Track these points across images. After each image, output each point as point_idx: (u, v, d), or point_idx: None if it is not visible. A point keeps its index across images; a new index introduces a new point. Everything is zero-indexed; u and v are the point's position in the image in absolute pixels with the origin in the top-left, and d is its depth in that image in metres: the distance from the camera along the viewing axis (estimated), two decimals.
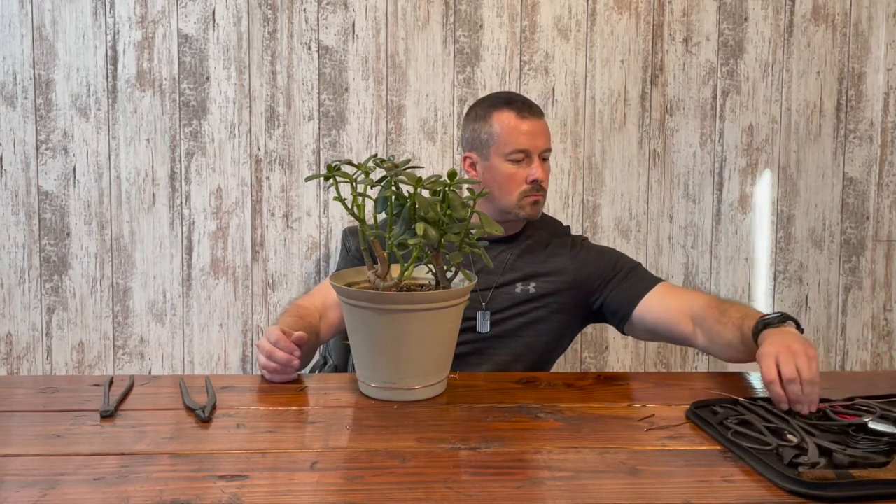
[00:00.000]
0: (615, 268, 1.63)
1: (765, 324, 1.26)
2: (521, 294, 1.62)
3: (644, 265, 2.22)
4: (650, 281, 1.59)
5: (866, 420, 1.06)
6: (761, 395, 1.22)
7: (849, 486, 0.89)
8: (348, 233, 1.97)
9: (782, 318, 1.26)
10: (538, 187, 1.60)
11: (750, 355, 1.31)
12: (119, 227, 2.16)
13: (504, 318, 1.61)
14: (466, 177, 1.64)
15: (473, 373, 1.45)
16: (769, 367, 1.14)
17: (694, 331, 1.47)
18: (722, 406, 1.15)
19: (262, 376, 1.34)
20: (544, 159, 1.63)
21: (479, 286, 1.61)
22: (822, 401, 1.14)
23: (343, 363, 1.87)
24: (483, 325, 1.60)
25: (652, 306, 1.54)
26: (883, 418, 1.08)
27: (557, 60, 2.19)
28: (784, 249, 2.27)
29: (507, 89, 2.16)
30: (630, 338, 2.26)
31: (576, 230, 2.06)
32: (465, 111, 2.17)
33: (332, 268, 2.19)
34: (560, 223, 1.77)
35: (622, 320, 1.59)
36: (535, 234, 1.68)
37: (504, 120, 1.60)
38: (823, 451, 0.97)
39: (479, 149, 1.64)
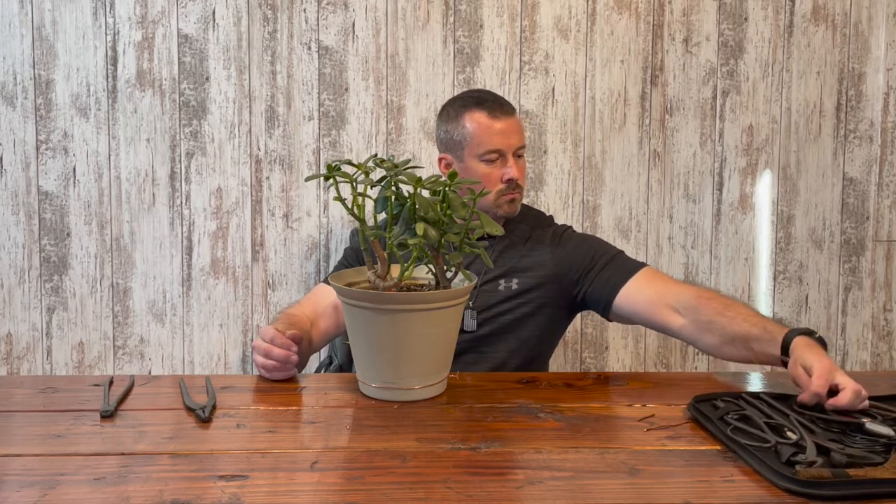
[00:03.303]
0: (594, 258, 1.61)
1: (801, 332, 1.26)
2: (505, 291, 1.62)
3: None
4: (631, 269, 1.57)
5: (864, 421, 1.06)
6: (762, 392, 1.22)
7: (844, 484, 0.89)
8: (354, 233, 1.97)
9: (810, 333, 1.27)
10: (514, 185, 1.60)
11: (754, 356, 1.31)
12: (119, 227, 2.16)
13: (492, 316, 1.61)
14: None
15: (474, 373, 1.45)
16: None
17: (677, 320, 1.45)
18: (723, 400, 1.15)
19: (261, 376, 1.34)
20: (519, 156, 1.62)
21: None
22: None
23: (348, 363, 1.87)
24: (470, 324, 1.60)
25: (632, 294, 1.53)
26: (884, 419, 1.08)
27: (557, 60, 2.19)
28: (784, 249, 2.27)
29: (506, 89, 2.16)
30: (630, 338, 2.26)
31: (576, 230, 2.07)
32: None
33: (332, 268, 2.19)
34: (542, 213, 1.76)
35: (605, 309, 1.58)
36: (516, 228, 1.68)
37: (476, 120, 1.59)
38: (821, 450, 0.97)
39: (453, 150, 1.63)
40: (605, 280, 1.58)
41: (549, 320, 1.66)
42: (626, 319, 1.59)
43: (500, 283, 1.62)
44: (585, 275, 1.60)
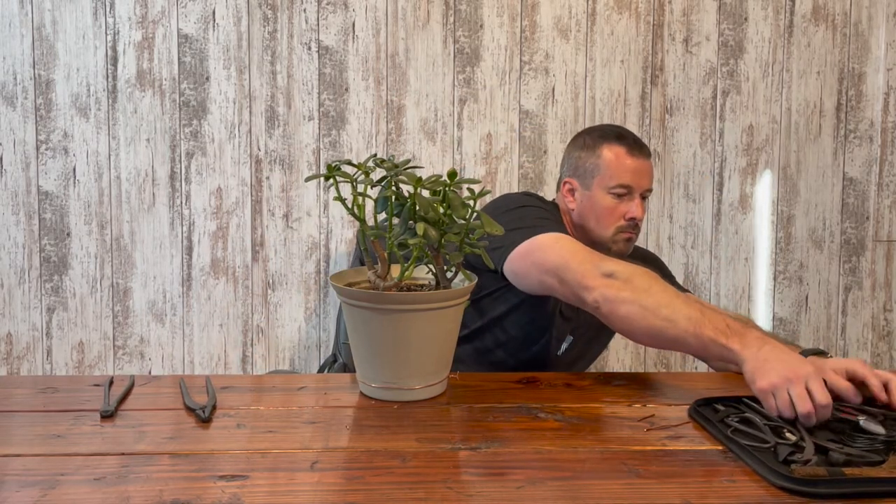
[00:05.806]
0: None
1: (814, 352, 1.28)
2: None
3: None
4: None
5: (859, 420, 1.06)
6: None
7: (839, 483, 0.89)
8: None
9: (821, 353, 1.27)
10: (634, 225, 1.62)
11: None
12: (119, 227, 2.16)
13: (580, 336, 1.66)
14: (565, 202, 1.67)
15: (473, 373, 1.45)
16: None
17: None
18: (724, 404, 1.16)
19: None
20: (643, 198, 1.65)
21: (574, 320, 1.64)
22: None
23: (352, 362, 1.88)
24: (562, 348, 1.64)
25: None
26: (884, 418, 1.08)
27: (557, 60, 2.19)
28: (784, 249, 2.27)
29: (506, 89, 2.16)
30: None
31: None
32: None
33: (333, 268, 2.19)
34: (650, 253, 1.85)
35: None
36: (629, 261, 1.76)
37: (615, 152, 1.61)
38: (821, 450, 0.97)
39: (582, 177, 1.65)
40: None
41: (609, 339, 1.79)
42: None
43: None
44: None
